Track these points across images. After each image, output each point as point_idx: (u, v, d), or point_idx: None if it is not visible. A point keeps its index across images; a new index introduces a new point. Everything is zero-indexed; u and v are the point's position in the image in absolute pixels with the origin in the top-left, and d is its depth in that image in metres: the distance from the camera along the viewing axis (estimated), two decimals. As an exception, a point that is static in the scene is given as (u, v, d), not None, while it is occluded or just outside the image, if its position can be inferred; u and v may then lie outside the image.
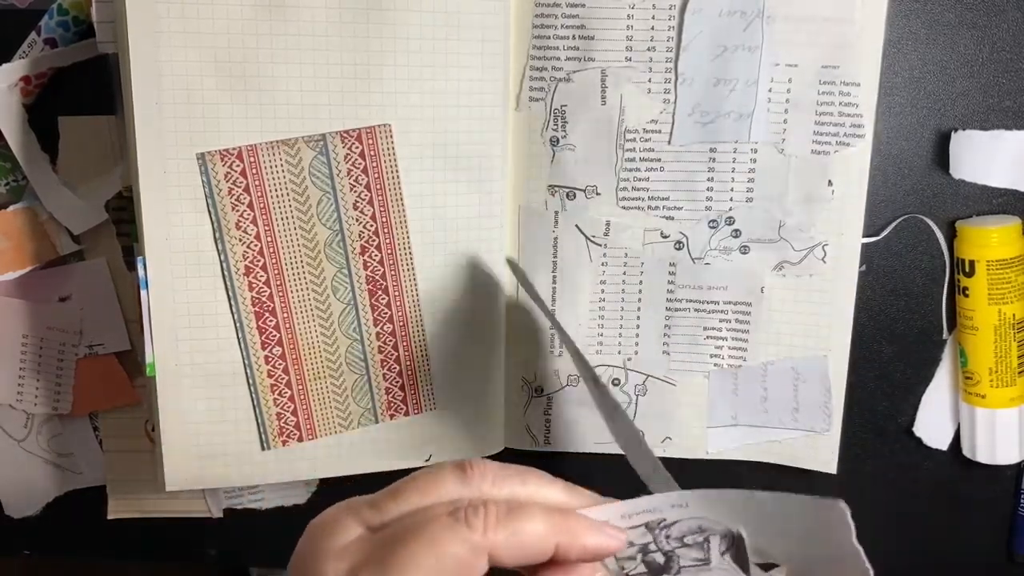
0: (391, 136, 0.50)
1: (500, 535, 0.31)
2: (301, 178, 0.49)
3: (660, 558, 0.35)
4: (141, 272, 0.48)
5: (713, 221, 0.53)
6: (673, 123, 0.52)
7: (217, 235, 0.49)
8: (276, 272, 0.50)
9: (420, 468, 0.35)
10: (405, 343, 0.53)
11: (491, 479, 0.33)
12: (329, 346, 0.52)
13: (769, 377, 0.55)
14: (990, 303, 0.53)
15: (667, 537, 0.35)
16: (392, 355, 0.53)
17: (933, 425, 0.57)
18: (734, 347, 0.55)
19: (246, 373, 0.51)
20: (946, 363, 0.57)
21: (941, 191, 0.54)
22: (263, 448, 0.52)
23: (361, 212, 0.50)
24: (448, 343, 0.54)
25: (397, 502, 0.32)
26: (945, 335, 0.56)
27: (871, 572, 0.33)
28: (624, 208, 0.53)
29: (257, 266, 0.50)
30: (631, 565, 0.35)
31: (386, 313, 0.52)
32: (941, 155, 0.54)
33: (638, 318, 0.55)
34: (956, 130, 0.53)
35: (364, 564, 0.30)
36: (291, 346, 0.51)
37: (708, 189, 0.53)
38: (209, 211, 0.48)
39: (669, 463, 0.60)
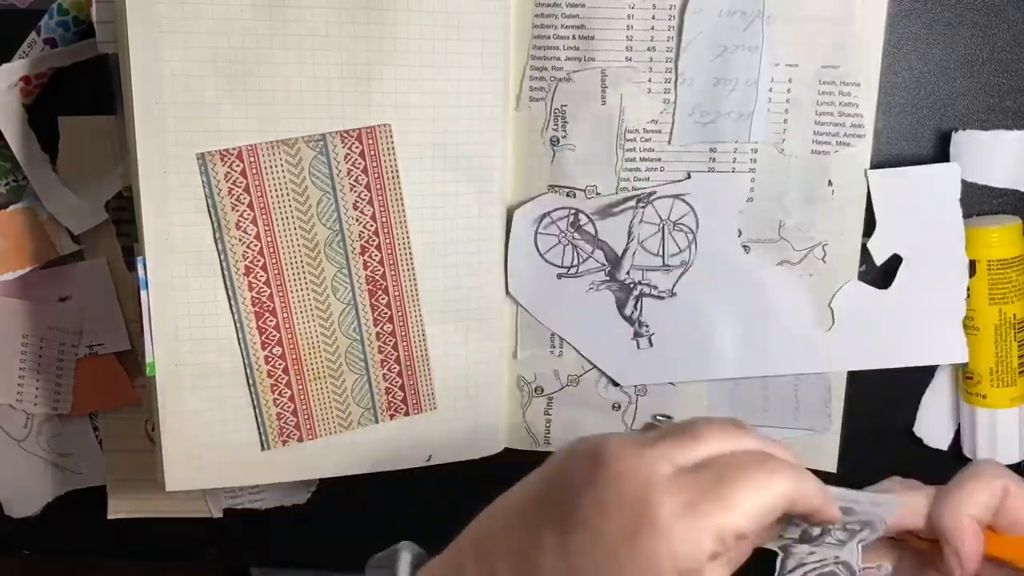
0: (391, 136, 0.50)
1: (805, 485, 0.34)
2: (301, 178, 0.49)
3: (816, 531, 0.37)
4: (141, 272, 0.48)
5: (713, 221, 0.53)
6: (673, 123, 0.52)
7: (217, 235, 0.49)
8: (276, 272, 0.50)
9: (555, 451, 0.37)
10: (405, 343, 0.53)
11: (761, 440, 0.36)
12: (329, 346, 0.52)
13: (769, 377, 0.55)
14: (991, 303, 0.53)
15: None
16: (392, 355, 0.53)
17: (933, 425, 0.57)
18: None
19: (246, 373, 0.51)
20: (946, 364, 0.57)
21: (941, 191, 0.54)
22: (263, 448, 0.52)
23: (361, 212, 0.50)
24: (448, 343, 0.54)
25: (701, 445, 0.35)
26: (945, 335, 0.56)
27: None
28: (624, 208, 0.54)
29: (257, 266, 0.50)
30: (791, 529, 0.37)
31: (386, 313, 0.52)
32: (941, 155, 0.54)
33: (638, 318, 0.55)
34: (956, 130, 0.53)
35: (702, 498, 0.32)
36: (291, 346, 0.51)
37: (708, 189, 0.53)
38: (209, 211, 0.48)
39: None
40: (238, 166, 0.48)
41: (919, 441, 0.58)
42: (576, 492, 0.34)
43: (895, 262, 0.53)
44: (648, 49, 0.51)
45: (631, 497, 0.33)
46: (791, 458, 0.36)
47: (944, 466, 0.58)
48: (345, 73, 0.49)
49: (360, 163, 0.50)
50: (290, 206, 0.49)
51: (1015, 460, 0.55)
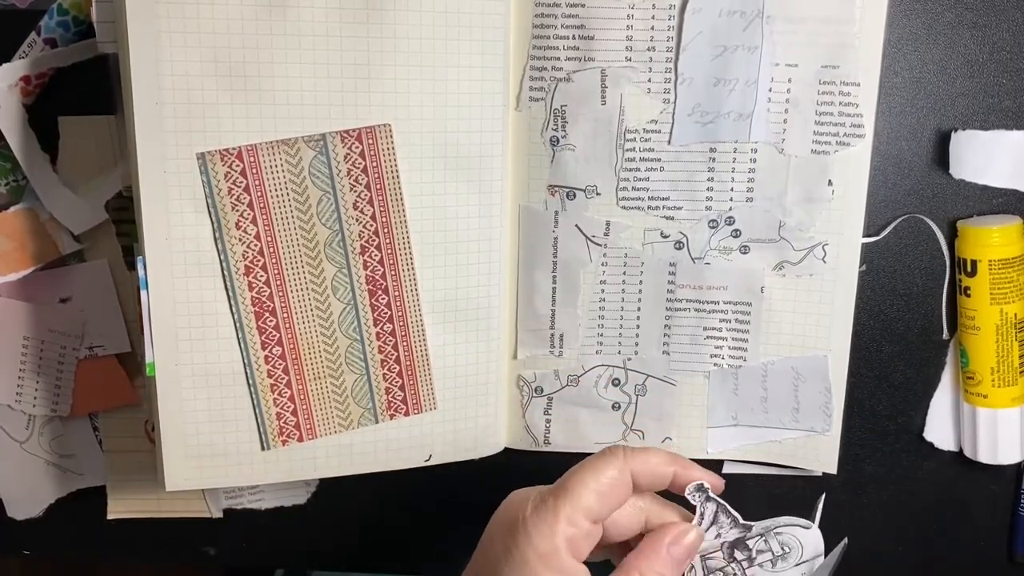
0: (391, 136, 0.50)
1: (637, 460, 0.43)
2: (301, 178, 0.49)
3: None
4: (141, 272, 0.48)
5: (713, 221, 0.53)
6: (673, 123, 0.52)
7: (217, 235, 0.49)
8: (276, 272, 0.50)
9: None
10: (405, 343, 0.53)
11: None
12: (329, 346, 0.52)
13: (769, 377, 0.55)
14: (992, 303, 0.53)
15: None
16: (392, 355, 0.53)
17: (943, 428, 0.57)
18: (734, 347, 0.55)
19: (246, 373, 0.51)
20: (950, 366, 0.57)
21: (941, 191, 0.54)
22: (263, 448, 0.52)
23: (361, 212, 0.50)
24: (448, 343, 0.54)
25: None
26: (945, 335, 0.56)
27: None
28: (624, 208, 0.53)
29: (257, 266, 0.50)
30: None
31: (386, 313, 0.52)
32: (941, 155, 0.54)
33: (638, 318, 0.55)
34: (956, 130, 0.53)
35: (551, 495, 0.41)
36: (291, 346, 0.51)
37: (708, 189, 0.53)
38: (209, 211, 0.48)
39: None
40: (238, 166, 0.48)
41: (919, 441, 0.58)
42: (488, 538, 0.43)
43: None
44: (648, 49, 0.51)
45: (511, 517, 0.42)
46: (659, 451, 0.44)
47: (944, 466, 0.58)
48: (345, 73, 0.49)
49: (360, 163, 0.50)
50: (290, 206, 0.49)
51: (1016, 460, 0.55)
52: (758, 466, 0.58)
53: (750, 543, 0.44)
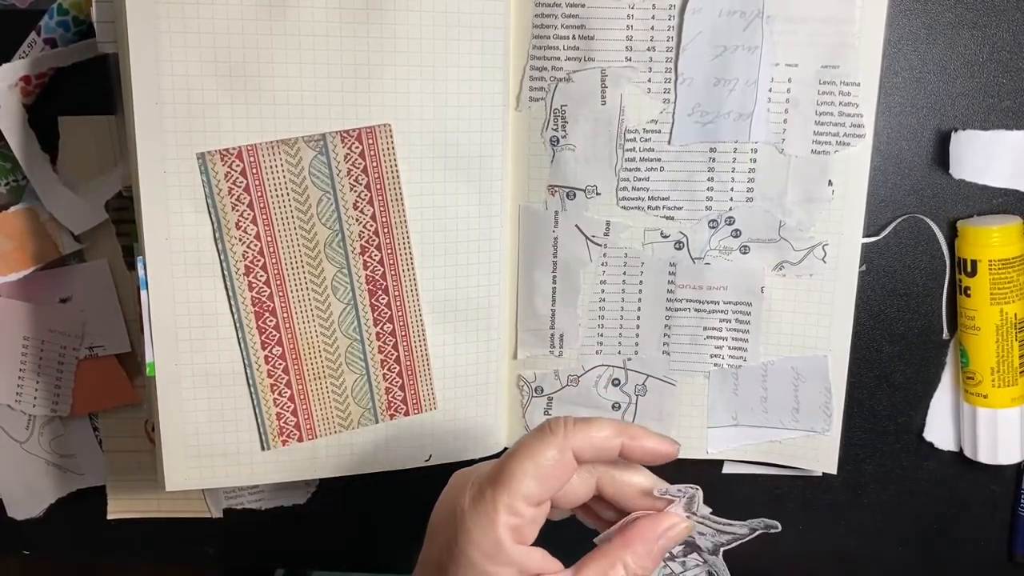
0: (391, 136, 0.50)
1: (578, 436, 0.39)
2: (301, 178, 0.49)
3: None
4: (141, 272, 0.48)
5: (713, 221, 0.53)
6: (673, 123, 0.52)
7: (217, 235, 0.49)
8: (276, 272, 0.50)
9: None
10: (405, 343, 0.53)
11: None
12: (329, 346, 0.52)
13: (769, 377, 0.55)
14: (992, 303, 0.53)
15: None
16: (392, 355, 0.53)
17: (943, 428, 0.57)
18: (734, 347, 0.55)
19: (246, 373, 0.51)
20: (950, 366, 0.57)
21: (941, 191, 0.54)
22: (263, 448, 0.52)
23: (361, 212, 0.50)
24: (448, 343, 0.54)
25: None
26: (945, 335, 0.56)
27: None
28: (624, 208, 0.53)
29: (257, 266, 0.50)
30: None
31: (386, 313, 0.52)
32: (941, 155, 0.54)
33: (638, 318, 0.55)
34: (956, 130, 0.53)
35: (487, 484, 0.38)
36: (291, 346, 0.51)
37: (708, 189, 0.53)
38: (209, 211, 0.48)
39: (669, 463, 0.60)
40: (238, 166, 0.48)
41: (919, 441, 0.58)
42: (432, 528, 0.41)
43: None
44: (648, 49, 0.51)
45: (451, 505, 0.39)
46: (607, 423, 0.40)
47: (944, 466, 0.58)
48: (345, 73, 0.49)
49: (360, 163, 0.50)
50: (290, 206, 0.49)
51: (1016, 460, 0.55)
52: (758, 466, 0.58)
53: (707, 554, 0.43)
